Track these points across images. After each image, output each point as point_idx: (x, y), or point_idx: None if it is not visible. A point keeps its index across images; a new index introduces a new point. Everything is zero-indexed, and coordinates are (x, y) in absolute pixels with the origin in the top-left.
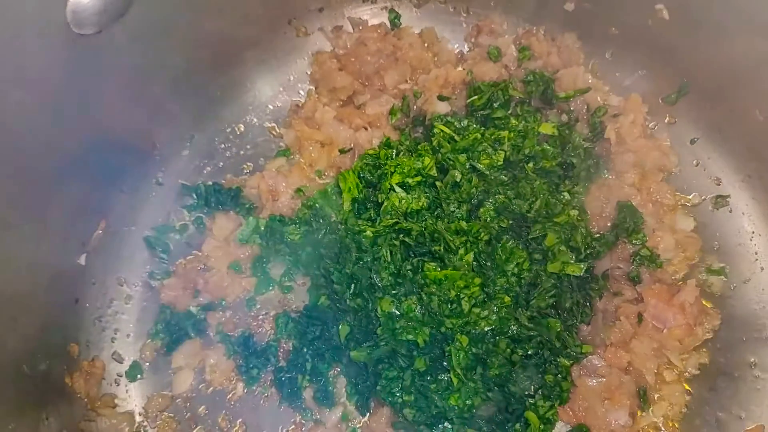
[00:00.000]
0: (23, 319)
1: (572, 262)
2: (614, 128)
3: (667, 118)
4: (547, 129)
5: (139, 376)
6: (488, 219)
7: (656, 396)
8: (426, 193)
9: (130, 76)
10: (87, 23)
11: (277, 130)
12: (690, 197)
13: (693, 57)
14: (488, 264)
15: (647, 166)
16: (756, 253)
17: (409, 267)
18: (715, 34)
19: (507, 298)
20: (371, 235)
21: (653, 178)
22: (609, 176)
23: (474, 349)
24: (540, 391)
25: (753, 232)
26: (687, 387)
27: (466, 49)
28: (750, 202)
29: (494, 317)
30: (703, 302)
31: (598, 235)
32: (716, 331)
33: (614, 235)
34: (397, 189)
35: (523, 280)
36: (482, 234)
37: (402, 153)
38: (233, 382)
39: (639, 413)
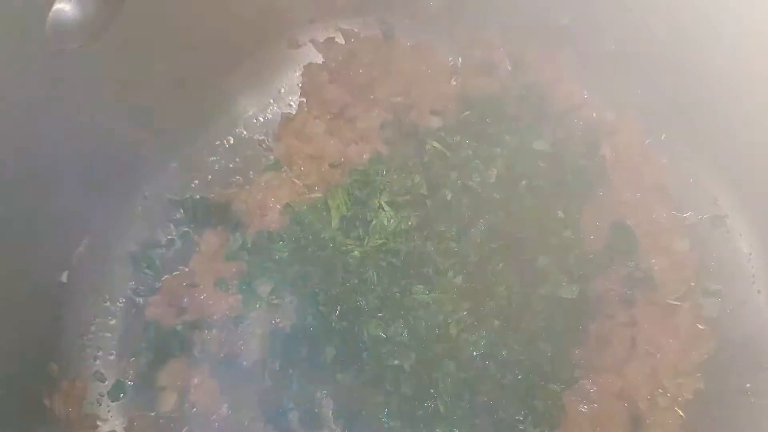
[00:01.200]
0: (0, 338)
1: (564, 284)
2: (609, 145)
3: (664, 135)
4: (541, 145)
5: (121, 395)
6: (479, 240)
7: (649, 422)
8: (416, 212)
9: (114, 89)
10: (68, 38)
11: (267, 143)
12: (686, 216)
13: (691, 73)
14: (478, 287)
15: (643, 184)
16: (753, 275)
17: (396, 289)
18: (713, 48)
19: (496, 322)
20: (359, 255)
21: (649, 197)
22: (604, 195)
23: (462, 375)
24: (530, 418)
25: (750, 254)
26: (681, 413)
27: (459, 62)
28: (748, 222)
29: (483, 342)
30: (699, 326)
31: (591, 256)
32: (711, 356)
33: (608, 256)
34: (386, 208)
35: (513, 303)
36: (472, 255)
37: (392, 169)
38: (218, 402)
39: None
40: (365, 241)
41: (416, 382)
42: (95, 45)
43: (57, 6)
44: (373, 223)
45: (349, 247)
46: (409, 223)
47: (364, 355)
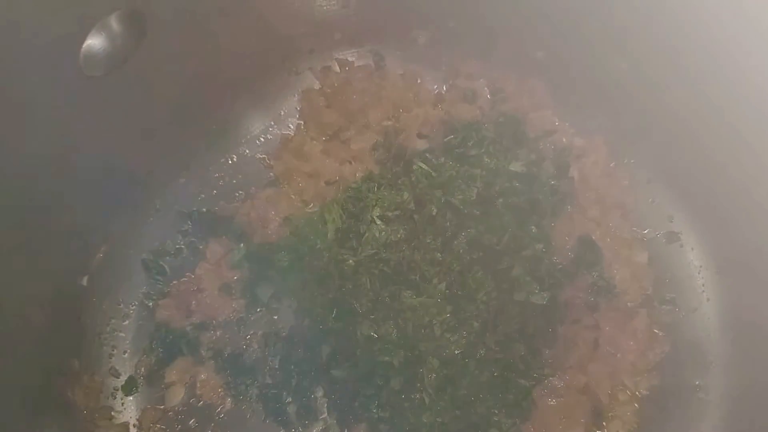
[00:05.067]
0: (29, 336)
1: (536, 291)
2: (578, 167)
3: (626, 159)
4: (516, 167)
5: (134, 390)
6: (461, 251)
7: (610, 415)
8: (404, 225)
9: (133, 112)
10: (97, 67)
11: (268, 161)
12: (645, 232)
13: (649, 104)
14: (459, 292)
15: (607, 202)
16: (703, 285)
17: (386, 294)
18: (667, 85)
19: (476, 324)
20: (353, 264)
21: (612, 214)
22: (572, 212)
23: (445, 371)
24: (503, 410)
25: (701, 266)
26: (638, 406)
27: (444, 90)
28: (698, 238)
29: (463, 341)
30: (655, 330)
31: (560, 267)
32: (666, 356)
33: (575, 266)
34: (378, 221)
35: (491, 308)
36: (455, 265)
37: (383, 187)
38: (222, 397)
39: (594, 431)
40: (359, 251)
41: (404, 376)
42: (118, 73)
43: (89, 41)
44: (366, 235)
45: (344, 256)
46: (398, 236)
47: (357, 353)
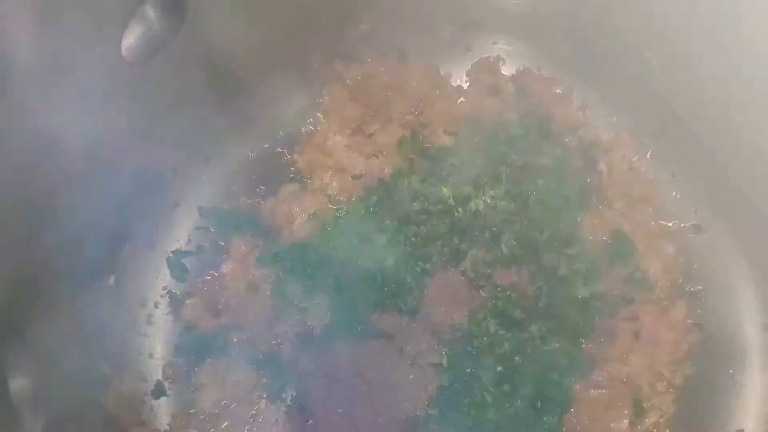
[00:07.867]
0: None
1: (580, 286)
2: (606, 162)
3: (650, 153)
4: (545, 162)
5: (163, 394)
6: (505, 247)
7: (648, 405)
8: (444, 220)
9: (161, 109)
10: (134, 56)
11: (289, 156)
12: (670, 225)
13: (674, 100)
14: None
15: (634, 196)
16: (729, 275)
17: None
18: (694, 81)
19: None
20: (393, 262)
21: (639, 207)
22: (601, 206)
23: (498, 368)
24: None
25: (727, 257)
26: (675, 395)
27: (468, 84)
28: (722, 230)
29: (512, 338)
30: (688, 320)
31: (595, 260)
32: (697, 346)
33: (609, 259)
34: (413, 216)
35: (540, 303)
36: (501, 261)
37: (414, 182)
38: (254, 398)
39: (635, 421)
40: (396, 248)
41: (452, 374)
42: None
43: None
44: (405, 230)
45: (381, 253)
46: (440, 230)
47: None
